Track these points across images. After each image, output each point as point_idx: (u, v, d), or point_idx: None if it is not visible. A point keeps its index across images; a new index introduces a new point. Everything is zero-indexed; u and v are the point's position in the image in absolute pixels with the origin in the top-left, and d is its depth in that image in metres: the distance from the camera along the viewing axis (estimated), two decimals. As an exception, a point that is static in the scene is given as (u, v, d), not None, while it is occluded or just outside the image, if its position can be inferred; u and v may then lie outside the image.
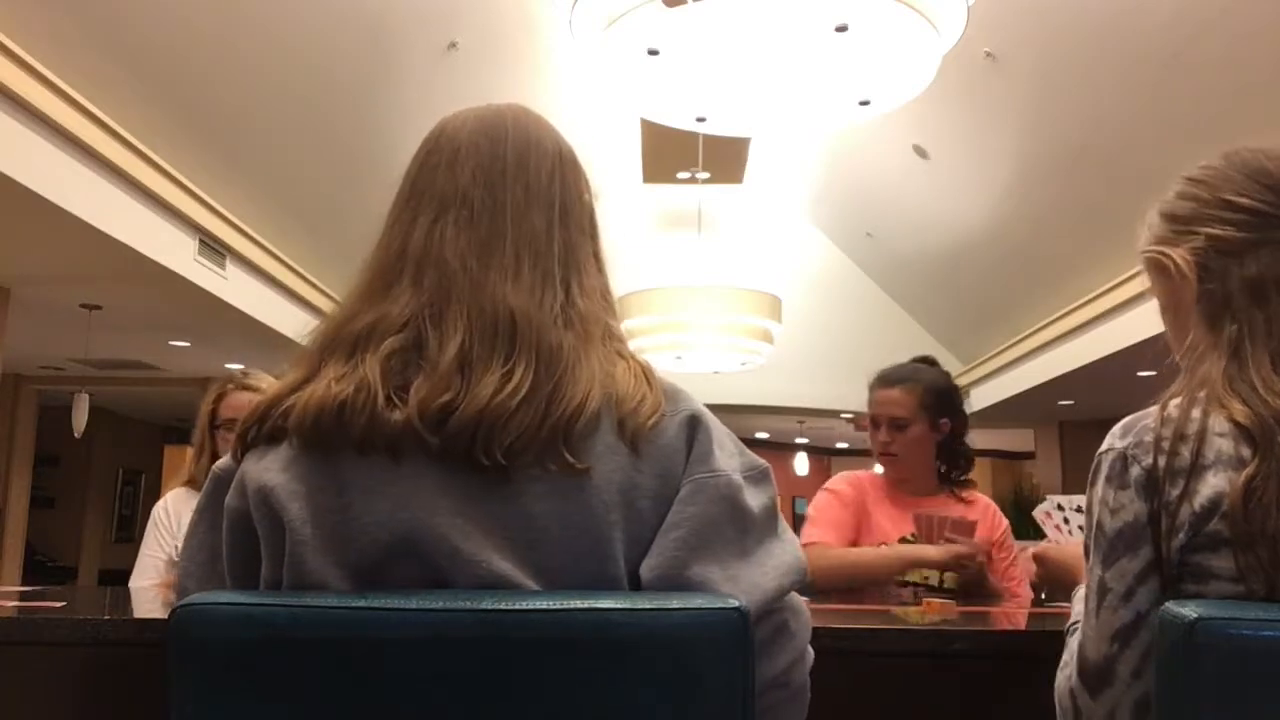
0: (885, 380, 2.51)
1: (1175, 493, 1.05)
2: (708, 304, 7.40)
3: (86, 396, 7.55)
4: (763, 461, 1.04)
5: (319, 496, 0.94)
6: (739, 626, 0.89)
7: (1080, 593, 1.19)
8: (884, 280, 10.95)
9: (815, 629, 1.04)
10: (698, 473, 0.97)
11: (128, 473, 12.55)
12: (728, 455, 1.01)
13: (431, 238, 1.01)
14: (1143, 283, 1.25)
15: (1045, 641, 1.27)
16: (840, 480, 2.55)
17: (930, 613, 1.74)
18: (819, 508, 2.46)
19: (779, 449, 15.28)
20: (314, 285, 7.42)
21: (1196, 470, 1.05)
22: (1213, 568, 1.04)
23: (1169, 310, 1.20)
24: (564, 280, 1.03)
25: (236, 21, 5.04)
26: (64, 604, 1.63)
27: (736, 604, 0.90)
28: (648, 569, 0.95)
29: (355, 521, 0.93)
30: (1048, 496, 1.89)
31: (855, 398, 2.69)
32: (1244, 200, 1.13)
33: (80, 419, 7.45)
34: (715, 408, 1.06)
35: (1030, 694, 1.19)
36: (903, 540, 2.36)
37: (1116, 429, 1.12)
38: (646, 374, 1.01)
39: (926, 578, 2.30)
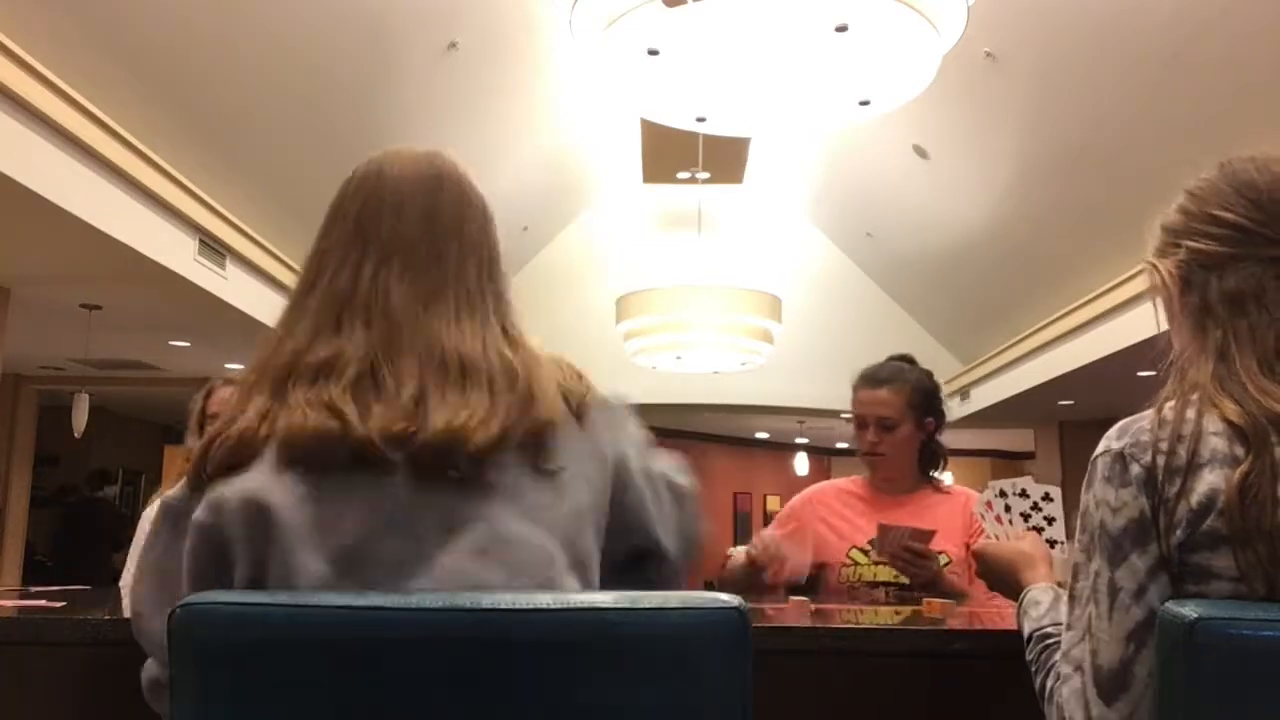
0: (872, 380, 2.49)
1: (1173, 490, 1.06)
2: (708, 304, 7.40)
3: (86, 396, 7.55)
4: None
5: (302, 492, 0.99)
6: (739, 626, 0.89)
7: (1062, 607, 1.18)
8: (884, 280, 10.95)
9: (816, 629, 1.05)
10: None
11: (128, 473, 12.54)
12: None
13: (377, 284, 1.10)
14: (1142, 283, 1.27)
15: (1045, 641, 1.27)
16: (791, 503, 2.62)
17: (931, 612, 1.74)
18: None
19: (779, 449, 15.28)
20: (314, 285, 7.35)
21: (1193, 468, 1.05)
22: (1213, 567, 1.04)
23: (1167, 316, 1.23)
24: (497, 319, 1.13)
25: (236, 21, 5.03)
26: (64, 604, 1.63)
27: (736, 604, 0.90)
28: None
29: (338, 516, 0.99)
30: (989, 484, 1.74)
31: (855, 398, 2.69)
32: (1228, 215, 1.15)
33: (80, 419, 7.45)
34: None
35: (1030, 694, 1.19)
36: (855, 549, 2.41)
37: (1111, 432, 1.13)
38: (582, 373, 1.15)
39: (897, 576, 2.32)
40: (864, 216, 9.90)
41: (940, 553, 2.29)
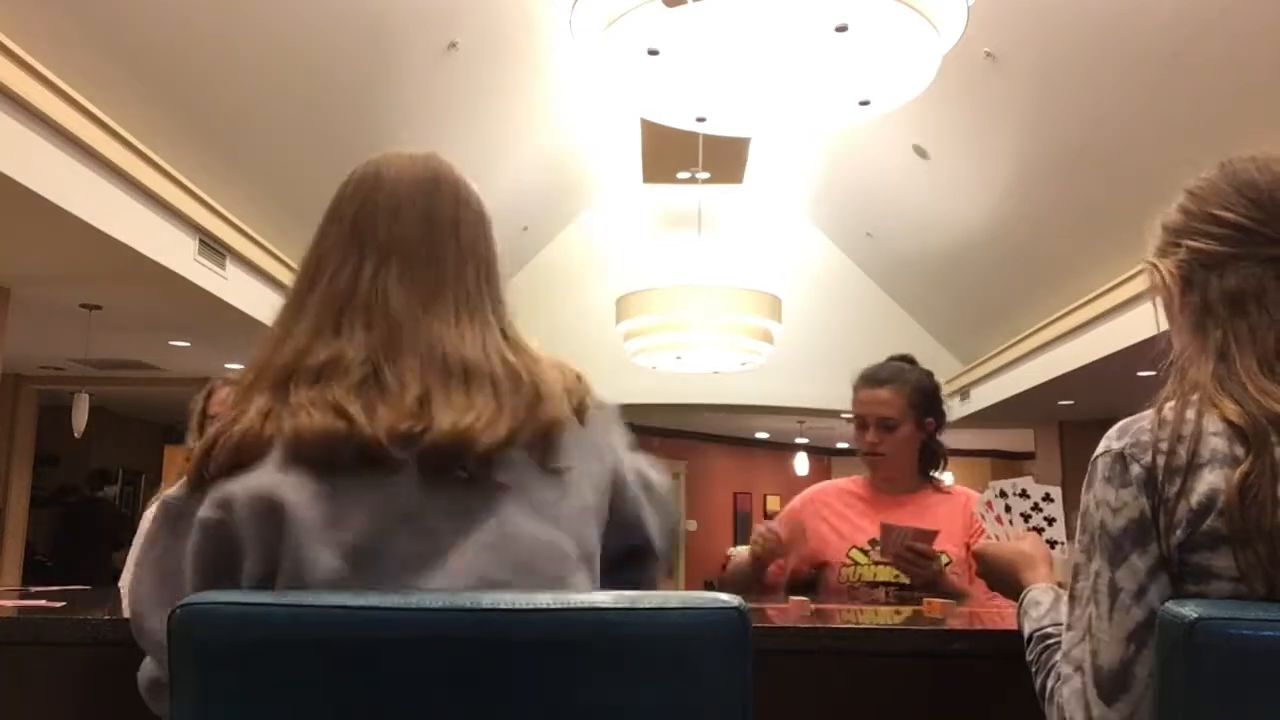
0: (872, 380, 2.49)
1: (1173, 490, 1.06)
2: (708, 304, 7.40)
3: (86, 396, 7.54)
4: None
5: (313, 489, 0.99)
6: (739, 626, 0.89)
7: (1063, 607, 1.19)
8: (884, 280, 10.95)
9: (816, 629, 1.05)
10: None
11: (128, 473, 12.54)
12: None
13: (376, 285, 1.10)
14: (1142, 283, 1.27)
15: (1045, 641, 1.27)
16: (792, 503, 2.62)
17: (931, 612, 1.74)
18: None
19: (779, 449, 15.27)
20: (314, 285, 7.36)
21: (1193, 468, 1.05)
22: (1213, 567, 1.04)
23: (1167, 316, 1.23)
24: (496, 319, 1.14)
25: (236, 21, 5.03)
26: (64, 604, 1.63)
27: (736, 604, 0.90)
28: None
29: (350, 513, 0.98)
30: (989, 484, 1.74)
31: (855, 398, 2.68)
32: (1228, 215, 1.15)
33: (80, 419, 7.45)
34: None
35: (1030, 694, 1.19)
36: (856, 549, 2.41)
37: (1112, 432, 1.13)
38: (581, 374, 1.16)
39: (897, 576, 2.33)
40: (864, 216, 9.90)
41: (941, 553, 2.29)
